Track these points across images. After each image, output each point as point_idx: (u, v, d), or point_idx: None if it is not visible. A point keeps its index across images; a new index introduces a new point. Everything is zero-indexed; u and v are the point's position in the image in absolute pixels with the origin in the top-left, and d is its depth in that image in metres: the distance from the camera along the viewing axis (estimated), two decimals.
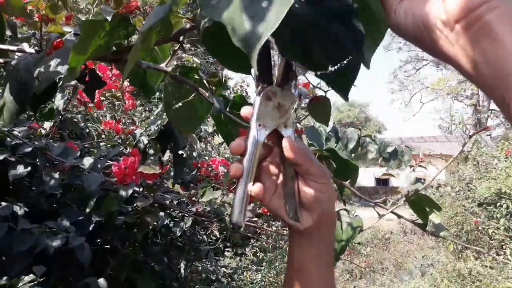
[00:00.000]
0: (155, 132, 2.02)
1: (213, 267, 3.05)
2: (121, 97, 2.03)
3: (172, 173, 1.62)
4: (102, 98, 1.95)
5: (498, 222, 5.61)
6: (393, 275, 5.96)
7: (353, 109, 33.68)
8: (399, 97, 25.74)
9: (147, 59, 0.87)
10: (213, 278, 3.05)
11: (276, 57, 0.49)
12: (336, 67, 0.48)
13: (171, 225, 1.65)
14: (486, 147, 7.04)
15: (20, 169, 1.21)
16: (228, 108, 0.85)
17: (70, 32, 0.82)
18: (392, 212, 1.12)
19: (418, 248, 7.55)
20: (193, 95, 0.82)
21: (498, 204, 5.69)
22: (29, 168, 1.22)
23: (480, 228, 5.97)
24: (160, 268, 1.89)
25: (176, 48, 0.92)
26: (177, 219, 1.58)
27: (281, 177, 0.51)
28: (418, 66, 24.53)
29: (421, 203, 1.05)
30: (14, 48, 0.86)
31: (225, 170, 1.94)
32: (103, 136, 2.16)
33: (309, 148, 0.53)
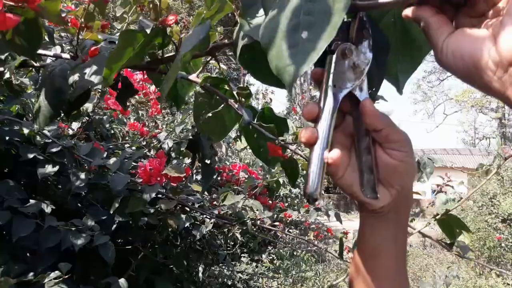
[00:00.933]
0: (179, 136, 2.05)
1: (230, 272, 3.06)
2: (147, 102, 2.06)
3: (195, 177, 1.64)
4: (127, 103, 1.98)
5: None
6: None
7: None
8: (422, 108, 25.37)
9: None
10: (229, 283, 3.05)
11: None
12: None
13: (191, 228, 1.66)
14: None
15: (49, 168, 1.25)
16: (256, 120, 0.85)
17: (105, 40, 0.84)
18: (419, 232, 1.10)
19: (438, 262, 7.40)
20: (222, 106, 0.83)
21: None
22: (57, 167, 1.25)
23: (503, 244, 5.83)
24: (179, 271, 1.90)
25: (208, 60, 0.94)
26: (198, 223, 1.59)
27: (353, 150, 0.46)
28: (442, 77, 24.20)
29: (450, 224, 1.03)
30: (51, 53, 0.89)
31: (246, 176, 1.95)
32: (127, 138, 2.20)
33: None
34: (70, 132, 1.79)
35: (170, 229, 1.52)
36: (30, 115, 1.75)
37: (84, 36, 0.86)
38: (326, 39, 0.34)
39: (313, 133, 0.42)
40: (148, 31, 0.64)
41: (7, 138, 1.23)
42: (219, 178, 2.01)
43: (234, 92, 0.84)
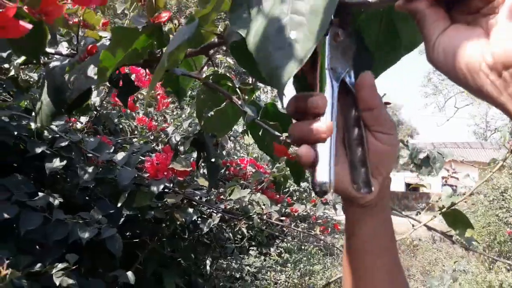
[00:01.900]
0: (186, 130, 2.05)
1: (238, 265, 3.08)
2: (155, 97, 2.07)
3: (201, 171, 1.64)
4: (135, 98, 1.99)
5: None
6: (420, 282, 5.84)
7: None
8: (433, 101, 25.05)
9: (181, 66, 0.88)
10: (237, 276, 3.07)
11: None
12: None
13: (199, 221, 1.67)
14: None
15: (56, 162, 1.26)
16: (259, 116, 0.85)
17: (106, 37, 0.84)
18: (425, 225, 1.10)
19: (447, 256, 7.37)
20: (225, 103, 0.82)
21: None
22: (64, 162, 1.26)
23: None
24: (187, 264, 1.92)
25: (208, 59, 0.93)
26: (205, 216, 1.60)
27: (341, 144, 0.44)
28: None
29: (455, 217, 1.03)
30: (52, 50, 0.89)
31: (253, 170, 1.95)
32: (135, 132, 2.21)
33: None
34: (79, 126, 1.81)
35: (178, 223, 1.53)
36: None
37: (86, 34, 0.86)
38: (315, 39, 0.33)
39: (330, 127, 0.38)
40: (139, 28, 0.63)
41: (15, 133, 1.24)
42: (226, 172, 2.01)
43: (237, 89, 0.83)
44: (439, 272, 6.22)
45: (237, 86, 0.84)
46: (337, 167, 0.41)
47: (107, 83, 1.68)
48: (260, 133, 0.88)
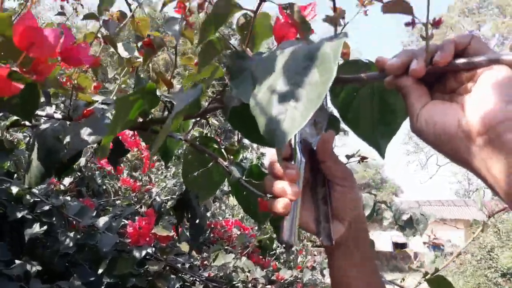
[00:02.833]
0: (171, 191, 2.04)
1: None
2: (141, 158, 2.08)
3: (185, 235, 1.61)
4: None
5: None
6: None
7: (368, 170, 33.43)
8: (415, 159, 25.46)
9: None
10: None
11: None
12: None
13: None
14: (507, 214, 6.85)
15: (36, 228, 1.23)
16: (244, 177, 0.86)
17: (97, 101, 0.85)
18: None
19: None
20: (211, 163, 0.84)
21: None
22: (45, 227, 1.23)
23: None
24: None
25: (197, 120, 0.96)
26: (188, 284, 1.55)
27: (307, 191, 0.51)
28: None
29: (439, 285, 1.02)
30: (43, 113, 0.90)
31: (238, 232, 1.92)
32: (119, 193, 2.18)
33: None
34: (62, 187, 1.78)
35: None
36: (22, 170, 1.75)
37: (78, 97, 0.88)
38: (312, 108, 0.37)
39: (295, 192, 0.45)
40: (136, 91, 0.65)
41: None
42: (211, 235, 1.98)
43: (223, 150, 0.86)
44: None
45: (223, 147, 0.86)
46: (304, 212, 0.49)
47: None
48: (244, 193, 0.89)
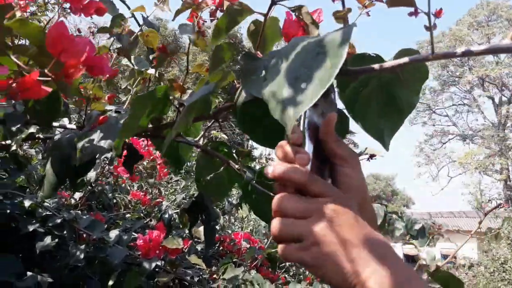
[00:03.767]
0: (181, 203, 2.04)
1: None
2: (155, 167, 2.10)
3: (194, 248, 1.62)
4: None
5: None
6: None
7: (379, 182, 33.19)
8: (426, 171, 25.22)
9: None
10: None
11: None
12: None
13: None
14: None
15: (48, 241, 1.24)
16: (254, 181, 0.88)
17: (111, 110, 0.88)
18: None
19: None
20: (222, 167, 0.87)
21: None
22: (56, 240, 1.25)
23: None
24: None
25: (209, 125, 0.99)
26: None
27: None
28: (444, 140, 24.38)
29: (443, 279, 1.04)
30: (57, 124, 0.92)
31: (248, 246, 1.92)
32: (130, 206, 2.20)
33: None
34: (73, 201, 1.80)
35: None
36: (34, 185, 1.77)
37: (92, 107, 0.91)
38: (321, 89, 0.40)
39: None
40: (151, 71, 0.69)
41: (8, 211, 1.24)
42: (220, 249, 1.98)
43: (234, 154, 0.89)
44: None
45: (234, 151, 0.89)
46: None
47: (107, 156, 1.71)
48: (253, 196, 0.91)
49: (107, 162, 1.90)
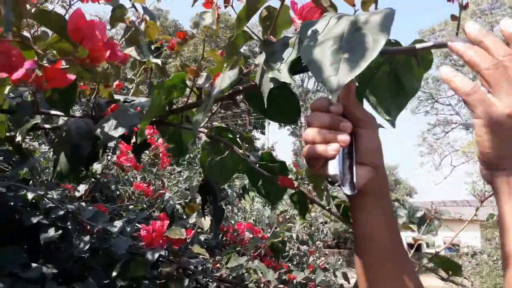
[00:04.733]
0: (184, 194, 2.05)
1: None
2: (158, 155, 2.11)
3: (197, 238, 1.63)
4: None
5: None
6: None
7: None
8: (428, 160, 25.17)
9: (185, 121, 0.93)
10: None
11: None
12: None
13: None
14: None
15: (51, 233, 1.25)
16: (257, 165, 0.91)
17: (118, 99, 0.90)
18: None
19: None
20: (227, 152, 0.90)
21: None
22: (60, 232, 1.26)
23: None
24: None
25: (212, 112, 1.02)
26: (201, 285, 1.56)
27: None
28: (447, 129, 24.29)
29: (442, 264, 1.08)
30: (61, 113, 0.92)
31: (251, 236, 1.93)
32: (133, 197, 2.21)
33: None
34: (77, 194, 1.81)
35: None
36: (37, 177, 1.78)
37: (102, 93, 0.92)
38: (366, 61, 0.42)
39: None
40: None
41: (11, 203, 1.24)
42: (224, 239, 1.99)
43: (237, 139, 0.92)
44: None
45: (237, 136, 0.91)
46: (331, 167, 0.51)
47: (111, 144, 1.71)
48: (257, 178, 0.94)
49: (110, 152, 1.90)
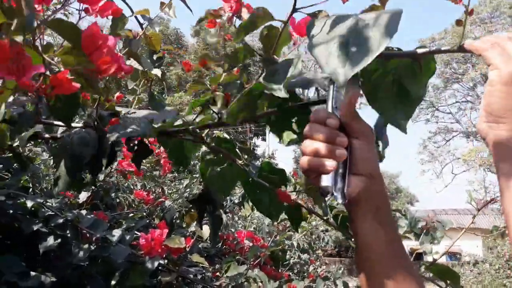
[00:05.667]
0: (184, 202, 2.04)
1: None
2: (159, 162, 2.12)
3: (196, 247, 1.62)
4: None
5: None
6: None
7: None
8: (429, 168, 25.14)
9: (187, 134, 0.94)
10: None
11: None
12: None
13: None
14: None
15: (51, 241, 1.24)
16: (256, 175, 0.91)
17: (121, 111, 0.90)
18: None
19: None
20: (226, 163, 0.90)
21: None
22: (59, 240, 1.25)
23: None
24: None
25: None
26: None
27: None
28: (448, 137, 24.30)
29: (440, 272, 1.06)
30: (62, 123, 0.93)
31: (251, 244, 1.92)
32: (133, 205, 2.20)
33: None
34: (79, 201, 1.80)
35: None
36: (37, 185, 1.77)
37: (107, 107, 0.93)
38: (372, 55, 0.44)
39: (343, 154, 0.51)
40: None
41: (10, 211, 1.24)
42: (223, 247, 1.98)
43: (237, 149, 0.92)
44: None
45: (237, 147, 0.92)
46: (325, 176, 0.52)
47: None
48: (257, 192, 0.93)
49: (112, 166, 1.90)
